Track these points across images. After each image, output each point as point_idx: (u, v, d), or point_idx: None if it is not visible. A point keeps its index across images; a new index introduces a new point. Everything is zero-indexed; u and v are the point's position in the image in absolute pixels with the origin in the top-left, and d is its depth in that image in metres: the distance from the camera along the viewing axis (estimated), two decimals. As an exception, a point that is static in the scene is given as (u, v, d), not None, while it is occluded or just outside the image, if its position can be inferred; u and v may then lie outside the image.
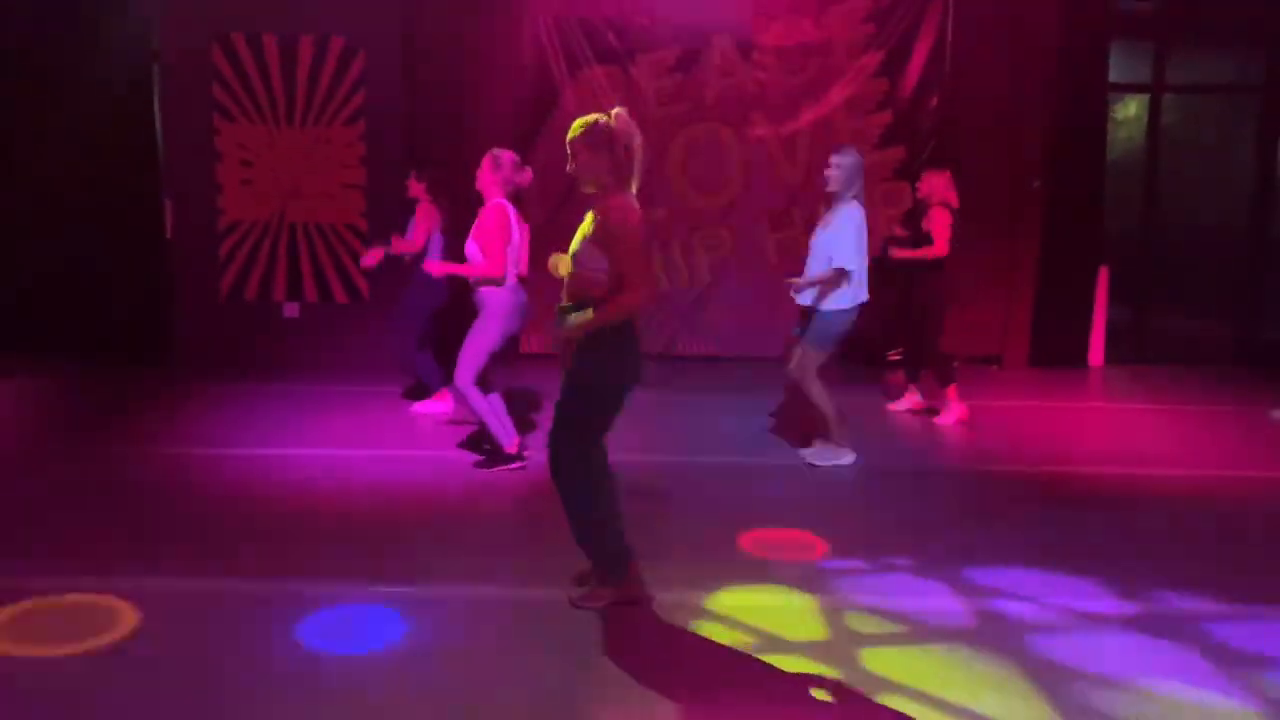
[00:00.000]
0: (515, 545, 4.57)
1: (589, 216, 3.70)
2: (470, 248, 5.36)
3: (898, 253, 6.80)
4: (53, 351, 8.10)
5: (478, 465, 5.57)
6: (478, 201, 5.49)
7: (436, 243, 6.76)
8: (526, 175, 5.45)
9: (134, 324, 8.41)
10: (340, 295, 8.52)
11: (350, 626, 3.63)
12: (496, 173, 5.34)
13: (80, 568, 4.08)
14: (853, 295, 5.63)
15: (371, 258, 6.79)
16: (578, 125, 3.67)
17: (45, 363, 7.96)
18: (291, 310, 8.56)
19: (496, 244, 5.24)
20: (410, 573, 4.09)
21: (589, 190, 3.71)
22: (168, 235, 8.50)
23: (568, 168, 3.71)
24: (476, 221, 5.39)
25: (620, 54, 8.70)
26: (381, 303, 7.94)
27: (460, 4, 8.28)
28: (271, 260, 8.47)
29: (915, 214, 6.81)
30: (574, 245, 3.67)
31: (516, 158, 5.45)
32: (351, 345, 8.24)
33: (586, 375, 3.65)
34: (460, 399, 5.75)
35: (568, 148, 3.67)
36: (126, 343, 8.34)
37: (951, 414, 6.84)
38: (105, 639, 3.47)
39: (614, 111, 3.66)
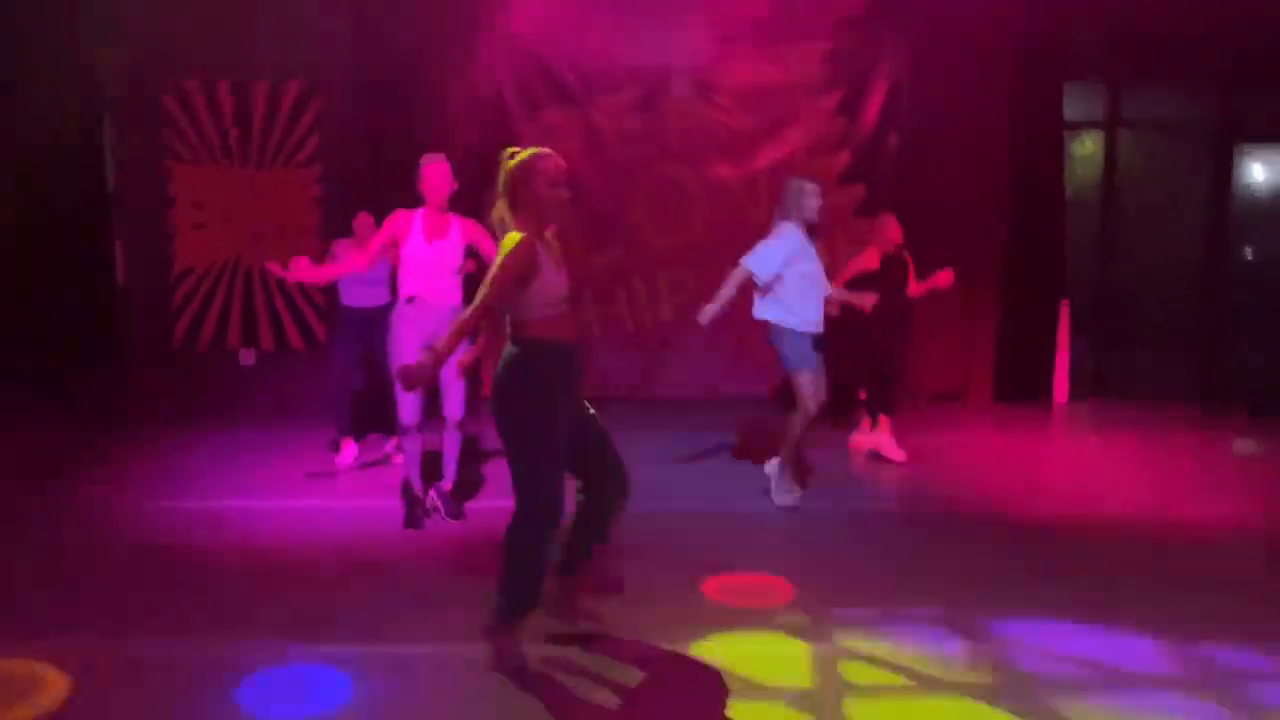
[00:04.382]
0: (464, 599, 4.39)
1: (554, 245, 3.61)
2: (454, 252, 5.10)
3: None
4: (9, 397, 7.82)
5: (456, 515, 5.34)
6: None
7: None
8: None
9: (85, 372, 8.17)
10: (297, 341, 8.36)
11: (294, 688, 3.44)
12: (456, 181, 5.15)
13: (6, 630, 3.87)
14: (799, 320, 5.56)
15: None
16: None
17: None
18: (247, 358, 8.39)
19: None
20: (356, 630, 3.92)
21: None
22: (120, 281, 8.31)
23: (560, 197, 3.53)
24: (464, 227, 5.11)
25: (579, 95, 8.67)
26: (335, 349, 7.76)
27: (417, 46, 8.23)
28: (226, 306, 8.31)
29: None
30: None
31: None
32: (308, 393, 8.03)
33: None
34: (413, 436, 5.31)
35: (564, 179, 3.54)
36: (76, 392, 8.09)
37: (887, 448, 6.85)
38: (29, 709, 3.26)
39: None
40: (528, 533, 3.46)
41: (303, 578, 4.55)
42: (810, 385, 5.57)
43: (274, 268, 5.68)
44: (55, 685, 3.41)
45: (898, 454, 6.79)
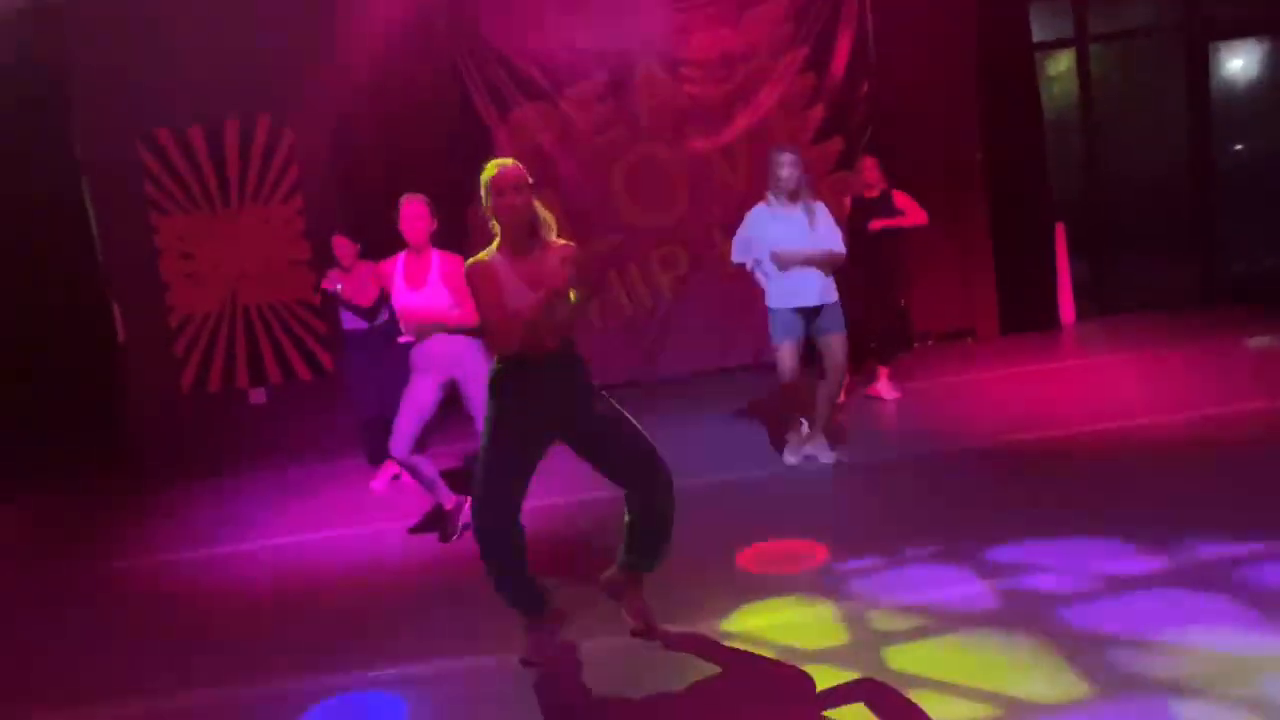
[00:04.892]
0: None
1: (548, 254, 3.54)
2: (439, 297, 5.02)
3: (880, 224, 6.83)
4: (14, 474, 7.86)
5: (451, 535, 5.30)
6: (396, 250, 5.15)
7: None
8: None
9: (97, 433, 8.22)
10: (304, 373, 8.40)
11: (350, 716, 3.49)
12: (433, 214, 5.07)
13: (60, 696, 3.91)
14: (776, 293, 5.54)
15: (330, 282, 6.25)
16: (515, 163, 3.55)
17: (6, 485, 7.73)
18: (258, 396, 8.43)
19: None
20: (405, 651, 3.96)
21: (526, 230, 3.54)
22: (120, 338, 8.34)
23: (509, 204, 3.48)
24: (442, 269, 5.03)
25: (548, 89, 8.65)
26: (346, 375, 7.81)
27: (381, 65, 8.18)
28: (230, 349, 8.36)
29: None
30: (537, 291, 3.45)
31: None
32: (321, 422, 8.06)
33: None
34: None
35: (516, 186, 3.49)
36: (91, 453, 8.15)
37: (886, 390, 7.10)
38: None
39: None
40: (476, 526, 3.54)
41: (341, 606, 4.60)
42: (783, 358, 5.56)
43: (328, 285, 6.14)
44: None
45: (892, 393, 7.03)
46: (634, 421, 3.59)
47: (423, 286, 5.02)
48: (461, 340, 5.04)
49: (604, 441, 3.57)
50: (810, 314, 5.53)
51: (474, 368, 5.04)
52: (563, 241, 3.62)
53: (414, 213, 5.01)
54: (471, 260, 3.53)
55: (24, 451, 8.03)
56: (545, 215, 3.58)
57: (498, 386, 3.53)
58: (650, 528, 3.61)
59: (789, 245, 5.43)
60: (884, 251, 6.82)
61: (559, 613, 3.76)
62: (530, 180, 3.54)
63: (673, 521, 3.62)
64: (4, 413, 8.10)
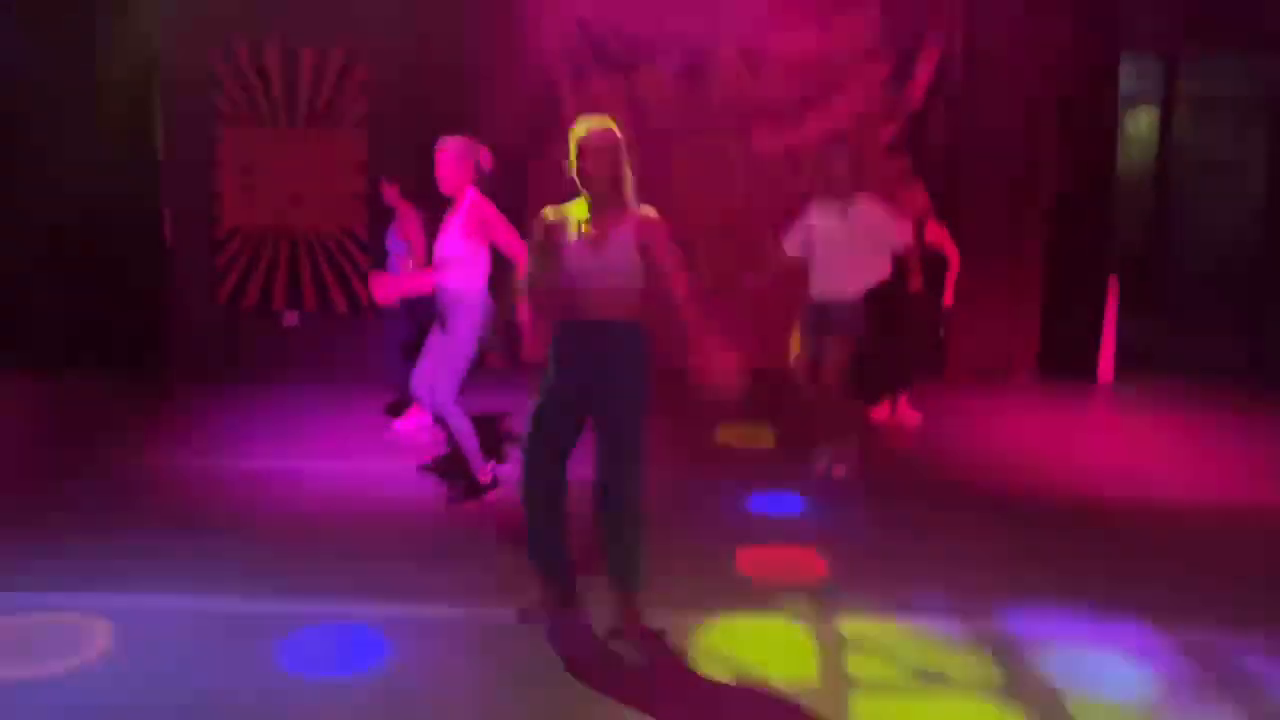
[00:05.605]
0: (498, 560, 4.44)
1: (624, 220, 3.57)
2: (453, 247, 4.90)
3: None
4: (47, 359, 7.98)
5: (452, 499, 5.14)
6: (437, 199, 5.07)
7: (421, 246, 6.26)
8: (487, 158, 4.98)
9: (131, 331, 8.30)
10: (340, 304, 8.44)
11: (331, 648, 3.52)
12: (467, 160, 4.88)
13: (55, 583, 3.98)
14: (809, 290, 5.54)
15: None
16: (605, 125, 3.53)
17: (40, 370, 7.86)
18: (291, 319, 8.49)
19: (504, 234, 4.83)
20: (392, 591, 3.99)
21: (604, 195, 3.54)
22: (167, 242, 8.41)
23: (580, 168, 3.51)
24: (461, 217, 4.90)
25: (624, 63, 8.59)
26: (381, 313, 7.84)
27: (463, 13, 8.18)
28: (271, 268, 8.41)
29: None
30: (589, 260, 3.52)
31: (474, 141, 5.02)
32: (348, 356, 8.11)
33: (644, 388, 3.58)
34: (437, 421, 5.17)
35: (597, 149, 3.49)
36: (123, 350, 8.23)
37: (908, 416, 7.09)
38: (74, 660, 3.36)
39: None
40: (522, 475, 3.62)
41: (342, 537, 4.64)
42: (794, 361, 5.58)
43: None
44: (101, 637, 3.52)
45: (913, 417, 7.05)
46: (637, 437, 3.50)
47: (446, 228, 4.98)
48: (444, 294, 4.93)
49: (600, 430, 3.55)
50: (828, 310, 5.46)
51: (455, 297, 4.91)
52: (647, 211, 3.62)
53: (439, 160, 4.89)
54: (549, 207, 3.63)
55: (65, 337, 8.15)
56: (629, 179, 3.55)
57: (553, 346, 3.60)
58: (612, 541, 3.56)
59: (831, 242, 5.42)
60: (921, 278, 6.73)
61: (574, 594, 3.75)
62: (618, 143, 3.51)
63: (632, 547, 3.53)
64: (49, 300, 8.20)
